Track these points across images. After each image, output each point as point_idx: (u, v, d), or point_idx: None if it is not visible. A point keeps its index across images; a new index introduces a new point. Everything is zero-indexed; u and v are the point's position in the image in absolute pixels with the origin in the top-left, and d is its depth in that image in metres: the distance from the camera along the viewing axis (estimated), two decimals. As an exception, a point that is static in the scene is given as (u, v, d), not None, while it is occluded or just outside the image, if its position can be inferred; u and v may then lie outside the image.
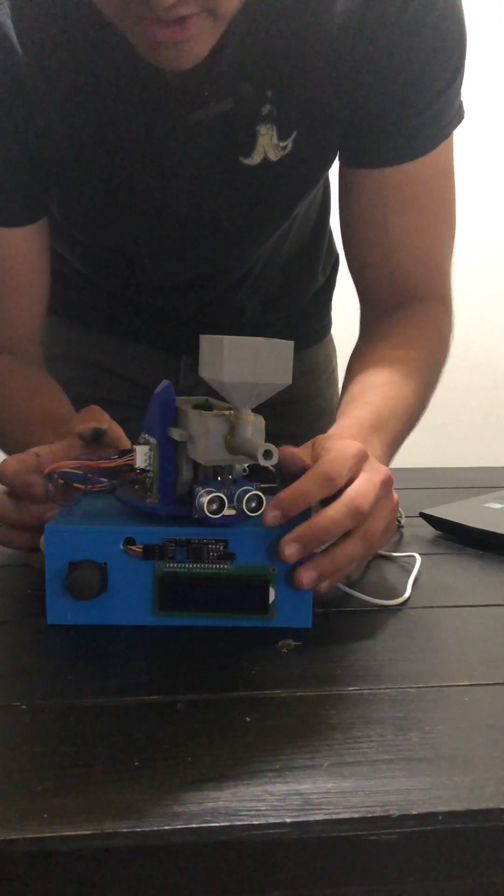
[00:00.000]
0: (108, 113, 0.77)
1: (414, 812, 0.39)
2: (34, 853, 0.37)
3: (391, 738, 0.46)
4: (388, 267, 0.87)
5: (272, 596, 0.59)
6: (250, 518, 0.59)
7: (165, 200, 0.83)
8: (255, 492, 0.58)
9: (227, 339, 0.54)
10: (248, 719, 0.47)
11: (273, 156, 0.80)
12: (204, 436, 0.56)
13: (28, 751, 0.44)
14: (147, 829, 0.38)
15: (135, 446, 0.62)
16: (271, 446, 0.53)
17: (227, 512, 0.58)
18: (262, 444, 0.54)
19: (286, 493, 0.59)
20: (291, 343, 0.56)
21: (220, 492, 0.57)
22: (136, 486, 0.63)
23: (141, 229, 0.86)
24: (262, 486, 0.60)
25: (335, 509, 0.59)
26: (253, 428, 0.56)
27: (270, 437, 0.58)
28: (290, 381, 0.56)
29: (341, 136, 0.82)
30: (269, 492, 0.60)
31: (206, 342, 0.57)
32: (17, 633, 0.60)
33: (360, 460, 0.62)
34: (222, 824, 0.38)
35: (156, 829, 0.38)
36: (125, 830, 0.38)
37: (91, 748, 0.44)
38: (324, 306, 1.13)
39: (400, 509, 0.73)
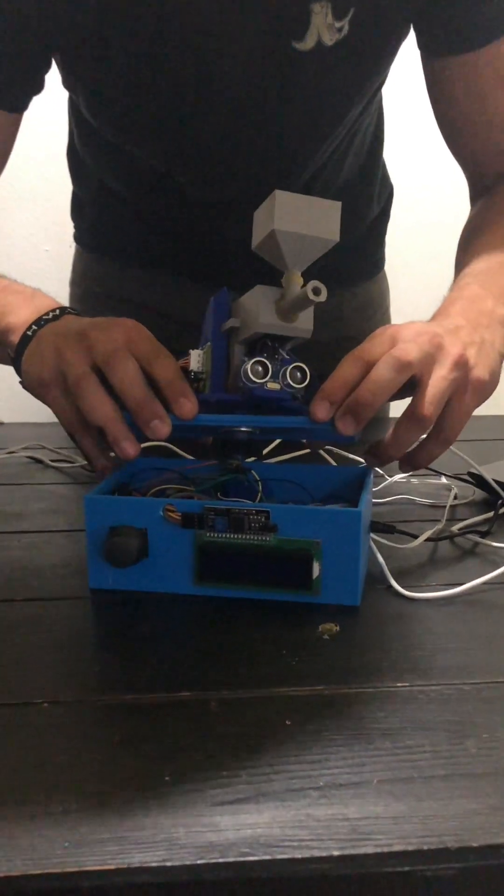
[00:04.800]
0: None
1: (475, 844, 0.35)
2: (56, 890, 0.34)
3: (446, 747, 0.42)
4: (493, 141, 0.85)
5: (316, 571, 0.55)
6: (298, 406, 0.58)
7: (208, 91, 0.77)
8: (298, 363, 0.57)
9: (279, 192, 0.54)
10: (288, 722, 0.43)
11: (327, 39, 0.74)
12: (256, 303, 0.56)
13: (48, 760, 0.40)
14: (179, 863, 0.34)
15: (190, 351, 0.61)
16: (318, 283, 0.53)
17: (271, 385, 0.57)
18: (309, 283, 0.53)
19: (325, 384, 0.58)
20: (339, 203, 0.56)
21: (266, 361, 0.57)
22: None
23: (181, 128, 0.80)
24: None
25: (377, 369, 0.57)
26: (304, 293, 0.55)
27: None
28: (337, 239, 0.56)
29: (422, 26, 0.78)
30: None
31: (259, 210, 0.57)
32: (50, 612, 0.56)
33: (393, 340, 0.59)
34: (262, 858, 0.35)
35: (188, 863, 0.34)
36: (155, 865, 0.34)
37: (117, 757, 0.41)
38: (378, 238, 1.08)
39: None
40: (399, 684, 0.47)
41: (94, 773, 0.40)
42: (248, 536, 0.55)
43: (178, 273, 1.00)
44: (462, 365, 0.59)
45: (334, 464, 0.82)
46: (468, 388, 0.60)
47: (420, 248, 1.61)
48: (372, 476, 0.63)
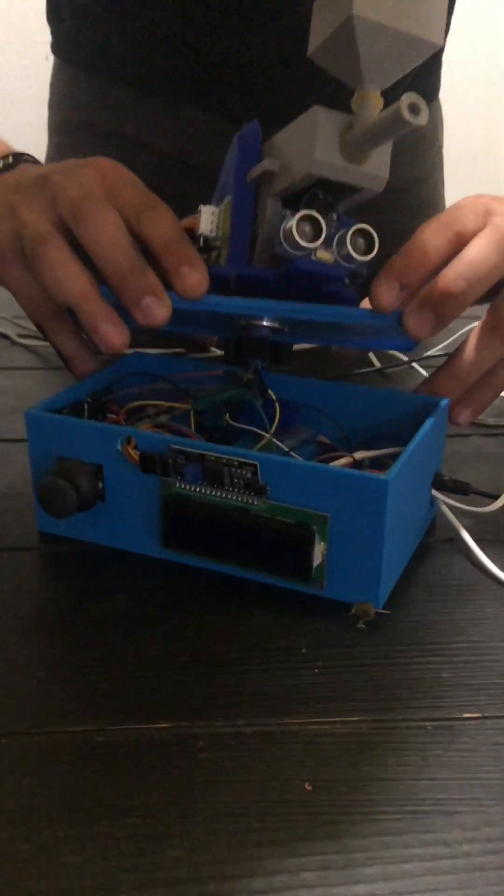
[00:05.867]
0: None
1: None
2: None
3: (539, 838, 0.29)
4: None
5: (318, 557, 0.39)
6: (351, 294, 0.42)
7: None
8: (362, 225, 0.41)
9: None
10: (308, 787, 0.30)
11: None
12: (312, 132, 0.39)
13: (-41, 855, 0.28)
14: None
15: (200, 206, 0.44)
16: (417, 97, 0.35)
17: (321, 254, 0.40)
18: (404, 97, 0.35)
19: (395, 259, 0.42)
20: None
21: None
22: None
23: None
24: None
25: (477, 246, 0.41)
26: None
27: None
28: (441, 43, 0.38)
29: None
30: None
31: None
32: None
33: (487, 213, 0.43)
34: None
35: None
36: None
37: (60, 851, 0.28)
38: (436, 55, 0.85)
39: None
40: (466, 715, 0.34)
41: (26, 879, 0.27)
42: (228, 495, 0.39)
43: (181, 99, 0.79)
44: None
45: (377, 363, 0.66)
46: None
47: (473, 73, 1.37)
48: (445, 409, 0.45)
